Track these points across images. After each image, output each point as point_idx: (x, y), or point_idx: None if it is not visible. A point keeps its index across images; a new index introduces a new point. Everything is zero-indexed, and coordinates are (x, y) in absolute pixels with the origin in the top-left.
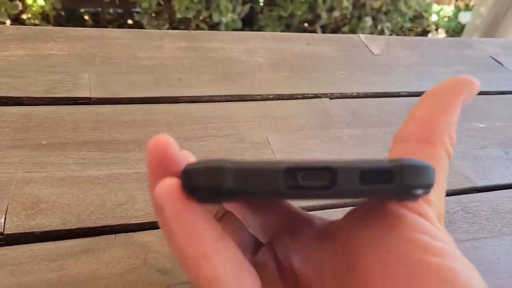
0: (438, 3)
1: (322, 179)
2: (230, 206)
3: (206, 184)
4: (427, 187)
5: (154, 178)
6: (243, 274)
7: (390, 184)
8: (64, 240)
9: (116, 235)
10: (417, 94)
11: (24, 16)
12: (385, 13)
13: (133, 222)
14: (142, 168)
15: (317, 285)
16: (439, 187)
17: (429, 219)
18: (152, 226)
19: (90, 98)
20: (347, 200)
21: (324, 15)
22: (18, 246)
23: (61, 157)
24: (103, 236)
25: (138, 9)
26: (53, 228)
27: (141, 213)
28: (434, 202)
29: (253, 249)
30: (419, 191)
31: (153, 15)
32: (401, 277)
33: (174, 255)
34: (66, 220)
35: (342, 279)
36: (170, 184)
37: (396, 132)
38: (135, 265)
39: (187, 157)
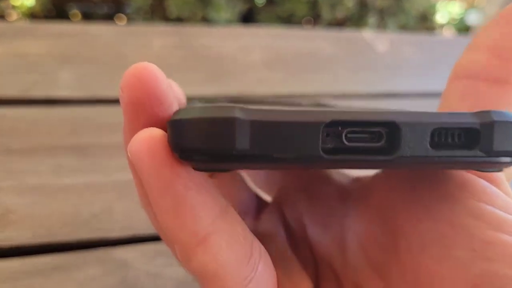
0: None
1: (377, 139)
2: None
3: (206, 147)
4: None
5: (134, 126)
6: (253, 260)
7: (473, 150)
8: (34, 256)
9: (92, 250)
10: (425, 95)
11: (13, 16)
12: (389, 13)
13: (111, 236)
14: (122, 175)
15: (337, 258)
16: None
17: (502, 187)
18: (132, 240)
19: (69, 99)
20: None
21: (325, 15)
22: None
23: (34, 164)
24: (77, 251)
25: (130, 8)
26: (22, 243)
27: (120, 225)
28: None
29: (255, 211)
30: (508, 159)
31: (147, 14)
32: (465, 259)
33: (163, 237)
34: (37, 234)
35: (375, 253)
36: (151, 138)
37: (455, 65)
38: (112, 284)
39: (178, 94)
